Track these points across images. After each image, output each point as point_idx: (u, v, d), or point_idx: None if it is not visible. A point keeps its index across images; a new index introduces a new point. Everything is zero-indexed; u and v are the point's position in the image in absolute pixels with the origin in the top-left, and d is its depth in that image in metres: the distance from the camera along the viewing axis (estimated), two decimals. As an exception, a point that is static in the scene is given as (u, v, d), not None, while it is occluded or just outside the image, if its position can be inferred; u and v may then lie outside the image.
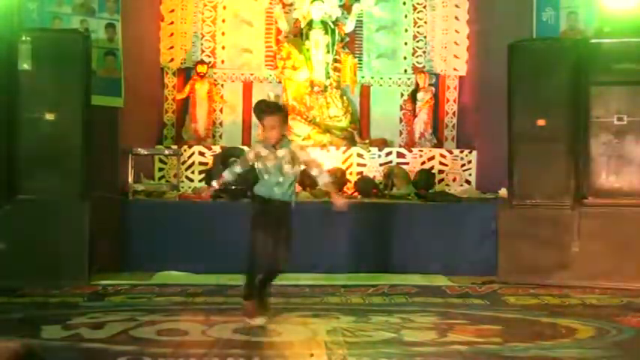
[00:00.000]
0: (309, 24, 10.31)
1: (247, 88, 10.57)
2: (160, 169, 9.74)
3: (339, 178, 9.43)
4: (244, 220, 5.53)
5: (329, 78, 10.32)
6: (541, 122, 7.20)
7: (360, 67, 10.57)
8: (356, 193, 9.30)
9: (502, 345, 4.77)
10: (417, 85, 10.42)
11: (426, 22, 10.72)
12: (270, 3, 10.53)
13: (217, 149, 9.56)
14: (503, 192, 8.24)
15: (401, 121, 10.65)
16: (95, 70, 7.76)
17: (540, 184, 7.24)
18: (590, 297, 6.51)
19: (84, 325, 5.21)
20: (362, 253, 7.87)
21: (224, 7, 10.55)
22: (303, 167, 5.52)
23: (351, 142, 10.14)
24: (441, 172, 9.93)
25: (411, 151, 10.01)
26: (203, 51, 10.47)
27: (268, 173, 5.35)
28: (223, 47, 10.55)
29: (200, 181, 9.56)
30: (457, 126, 10.67)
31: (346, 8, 10.49)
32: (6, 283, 6.45)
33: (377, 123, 10.66)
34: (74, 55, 7.06)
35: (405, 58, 10.74)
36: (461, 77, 10.66)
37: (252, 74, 10.58)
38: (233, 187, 8.20)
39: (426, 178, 9.51)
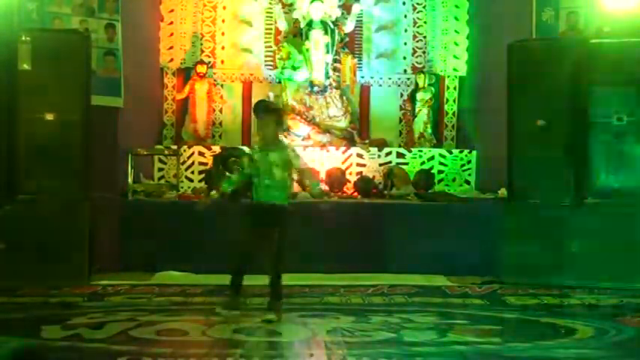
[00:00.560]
0: (309, 24, 10.30)
1: (247, 88, 10.57)
2: (160, 169, 9.73)
3: (338, 178, 9.44)
4: (243, 212, 5.60)
5: (329, 78, 10.31)
6: (541, 122, 7.20)
7: (360, 67, 10.57)
8: (355, 193, 9.30)
9: (502, 345, 4.77)
10: (417, 85, 10.41)
11: (425, 22, 10.71)
12: (270, 3, 10.53)
13: (217, 149, 9.55)
14: (503, 192, 8.24)
15: (400, 121, 10.65)
16: (95, 70, 7.76)
17: (540, 184, 7.24)
18: (590, 297, 6.51)
19: (84, 325, 5.21)
20: (362, 253, 7.86)
21: (224, 7, 10.54)
22: (296, 176, 5.57)
23: (350, 142, 10.14)
24: (440, 172, 9.93)
25: (410, 151, 10.01)
26: (203, 51, 10.46)
27: (258, 176, 5.46)
28: (223, 47, 10.54)
29: (200, 181, 9.55)
30: (457, 126, 10.66)
31: (346, 8, 10.48)
32: (6, 283, 6.45)
33: (377, 123, 10.65)
34: (74, 55, 7.06)
35: (404, 58, 10.73)
36: (461, 77, 10.66)
37: (251, 74, 10.57)
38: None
39: (425, 178, 9.51)
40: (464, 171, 10.03)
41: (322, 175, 9.47)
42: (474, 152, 10.06)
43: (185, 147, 9.75)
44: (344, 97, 10.39)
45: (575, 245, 7.04)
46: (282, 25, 10.43)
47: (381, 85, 10.71)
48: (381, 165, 9.82)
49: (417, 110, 10.38)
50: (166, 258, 7.64)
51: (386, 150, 10.00)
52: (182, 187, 9.26)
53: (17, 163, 6.91)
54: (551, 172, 7.22)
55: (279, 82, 10.39)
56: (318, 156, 9.76)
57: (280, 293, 5.53)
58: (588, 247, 6.99)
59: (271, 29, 10.58)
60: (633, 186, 7.05)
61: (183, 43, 10.41)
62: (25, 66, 6.89)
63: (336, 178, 9.44)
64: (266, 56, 10.59)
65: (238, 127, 10.51)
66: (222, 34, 10.53)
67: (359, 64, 10.53)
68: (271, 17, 10.55)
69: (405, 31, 10.73)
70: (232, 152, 8.83)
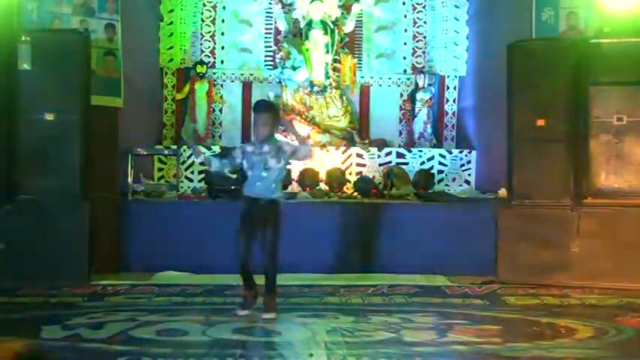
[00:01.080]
0: (309, 24, 10.31)
1: (247, 88, 10.58)
2: (160, 169, 9.74)
3: (338, 178, 9.45)
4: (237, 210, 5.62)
5: (328, 78, 10.32)
6: (541, 122, 7.20)
7: (360, 67, 10.58)
8: (355, 193, 9.30)
9: (502, 345, 4.77)
10: (417, 85, 10.43)
11: (425, 22, 10.73)
12: (270, 3, 10.54)
13: (217, 149, 9.56)
14: (503, 192, 8.24)
15: (400, 121, 10.66)
16: (95, 70, 7.75)
17: (540, 184, 7.24)
18: (590, 297, 6.51)
19: (84, 325, 5.21)
20: (361, 253, 7.86)
21: (224, 7, 10.56)
22: (290, 162, 5.63)
23: (350, 142, 10.15)
24: (440, 172, 9.94)
25: (410, 151, 10.02)
26: (202, 51, 10.48)
27: (252, 169, 5.51)
28: (223, 47, 10.55)
29: (200, 181, 9.56)
30: (457, 126, 10.67)
31: (346, 8, 10.49)
32: (6, 283, 6.45)
33: (376, 123, 10.66)
34: (74, 55, 7.05)
35: (404, 58, 10.74)
36: (461, 77, 10.66)
37: (251, 74, 10.59)
38: (232, 188, 8.22)
39: (425, 178, 9.51)
40: (464, 171, 10.03)
41: (322, 175, 9.48)
42: (474, 152, 10.07)
43: (185, 147, 9.76)
44: (344, 97, 10.41)
45: (575, 245, 7.04)
46: (282, 25, 10.44)
47: (381, 85, 10.72)
48: (381, 165, 9.83)
49: (417, 110, 10.39)
50: (166, 258, 7.64)
51: (386, 150, 10.00)
52: (182, 187, 9.27)
53: (17, 163, 6.91)
54: (551, 172, 7.22)
55: (279, 82, 10.40)
56: (318, 156, 9.77)
57: (275, 289, 5.56)
58: (588, 247, 6.99)
59: (271, 29, 10.59)
60: (633, 186, 7.05)
61: (183, 43, 10.42)
62: (25, 66, 6.89)
63: (336, 178, 9.45)
64: (266, 56, 10.60)
65: (238, 127, 10.52)
66: (222, 34, 10.55)
67: (359, 64, 10.54)
68: (271, 17, 10.56)
69: (405, 31, 10.74)
70: (232, 152, 8.82)
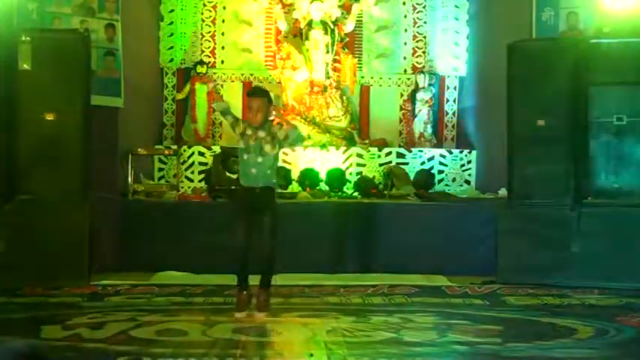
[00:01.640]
0: (309, 24, 10.30)
1: (247, 88, 10.55)
2: (160, 169, 9.73)
3: (338, 178, 9.44)
4: (233, 202, 5.62)
5: (329, 78, 10.31)
6: (541, 122, 7.20)
7: (360, 67, 10.57)
8: (355, 193, 9.30)
9: (502, 345, 4.77)
10: (417, 85, 10.42)
11: (425, 22, 10.71)
12: (270, 3, 10.53)
13: (217, 149, 9.55)
14: (503, 192, 8.24)
15: (400, 121, 10.64)
16: (95, 70, 7.76)
17: (540, 184, 7.24)
18: (590, 297, 6.51)
19: (84, 325, 5.21)
20: (362, 253, 7.87)
21: (224, 7, 10.55)
22: (283, 146, 5.64)
23: (350, 142, 10.14)
24: (440, 172, 9.93)
25: (410, 151, 10.01)
26: (203, 51, 10.47)
27: (248, 152, 5.52)
28: (223, 47, 10.55)
29: (200, 181, 9.55)
30: (457, 126, 10.67)
31: (346, 8, 10.48)
32: (6, 283, 6.45)
33: (376, 123, 10.65)
34: (74, 55, 7.06)
35: (404, 58, 10.73)
36: (461, 77, 10.66)
37: (252, 74, 10.57)
38: (233, 188, 8.22)
39: (425, 178, 9.51)
40: (464, 171, 10.03)
41: (322, 175, 9.47)
42: (474, 152, 10.07)
43: (185, 147, 9.76)
44: (344, 97, 10.39)
45: (575, 245, 7.04)
46: (282, 25, 10.43)
47: (381, 85, 10.71)
48: (381, 165, 9.82)
49: (417, 110, 10.38)
50: (166, 258, 7.64)
51: (386, 150, 10.00)
52: (182, 187, 9.26)
53: (17, 163, 6.91)
54: (551, 172, 7.22)
55: (279, 82, 10.39)
56: (318, 156, 9.77)
57: (270, 283, 5.57)
58: (588, 247, 6.99)
59: (271, 29, 10.58)
60: (633, 186, 7.05)
61: (184, 43, 10.41)
62: (25, 66, 6.88)
63: (336, 178, 9.44)
64: (266, 56, 10.59)
65: (238, 127, 10.50)
66: (222, 34, 10.54)
67: (359, 64, 10.53)
68: (271, 17, 10.55)
69: (405, 31, 10.74)
70: (232, 152, 8.83)
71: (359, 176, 9.63)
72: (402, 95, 10.69)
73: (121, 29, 8.19)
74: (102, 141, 7.55)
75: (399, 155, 9.96)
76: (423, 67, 10.64)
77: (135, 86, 8.65)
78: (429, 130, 10.38)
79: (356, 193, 9.29)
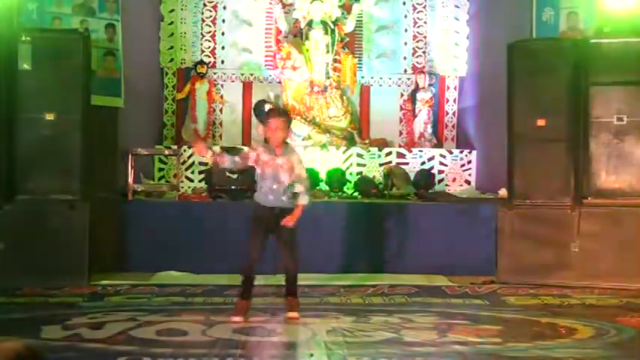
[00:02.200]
0: (309, 24, 10.30)
1: (247, 88, 10.58)
2: (160, 169, 9.74)
3: (338, 178, 9.45)
4: (244, 220, 5.57)
5: (329, 78, 10.31)
6: (541, 122, 7.19)
7: (360, 67, 10.57)
8: (355, 193, 9.31)
9: (502, 345, 4.76)
10: (417, 85, 10.43)
11: (425, 22, 10.72)
12: (270, 3, 10.54)
13: (217, 149, 9.55)
14: (503, 192, 8.24)
15: (401, 121, 10.65)
16: (95, 70, 7.75)
17: (540, 184, 7.24)
18: (590, 297, 6.51)
19: (84, 325, 5.21)
20: (362, 253, 7.87)
21: (224, 7, 10.56)
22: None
23: (350, 142, 10.14)
24: (440, 172, 9.93)
25: (410, 151, 10.01)
26: (203, 51, 10.47)
27: (265, 179, 5.41)
28: (223, 47, 10.55)
29: (200, 181, 9.56)
30: (457, 126, 10.67)
31: (346, 8, 10.49)
32: (6, 283, 6.45)
33: (377, 123, 10.66)
34: (74, 55, 7.05)
35: (404, 58, 10.74)
36: (461, 77, 10.66)
37: (252, 74, 10.58)
38: (233, 188, 8.22)
39: (425, 178, 9.51)
40: (464, 171, 10.03)
41: (322, 175, 9.48)
42: (474, 152, 10.07)
43: (185, 147, 9.76)
44: (344, 97, 10.40)
45: (575, 245, 7.04)
46: (282, 25, 10.44)
47: (381, 85, 10.72)
48: (381, 165, 9.83)
49: (417, 110, 10.39)
50: (166, 258, 7.64)
51: (386, 150, 10.00)
52: (182, 187, 9.26)
53: (17, 163, 6.91)
54: (551, 172, 7.22)
55: (279, 82, 10.39)
56: (318, 156, 9.77)
57: (296, 289, 5.54)
58: (588, 247, 6.99)
59: (271, 29, 10.59)
60: (633, 186, 7.05)
61: (184, 43, 10.42)
62: (25, 66, 6.89)
63: (336, 178, 9.44)
64: (266, 56, 10.59)
65: (238, 127, 10.52)
66: (223, 34, 10.54)
67: (359, 64, 10.54)
68: (271, 17, 10.56)
69: (405, 31, 10.74)
70: (232, 152, 8.82)
71: (359, 176, 9.64)
72: (402, 95, 10.69)
73: (121, 29, 8.18)
74: (102, 141, 7.54)
75: (399, 155, 9.96)
76: (423, 67, 10.65)
77: (135, 86, 8.65)
78: (429, 130, 10.38)
79: (356, 193, 9.30)
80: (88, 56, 7.23)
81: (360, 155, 9.90)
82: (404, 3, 10.75)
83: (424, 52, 10.72)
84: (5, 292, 6.27)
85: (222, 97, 10.45)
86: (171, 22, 10.40)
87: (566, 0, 8.18)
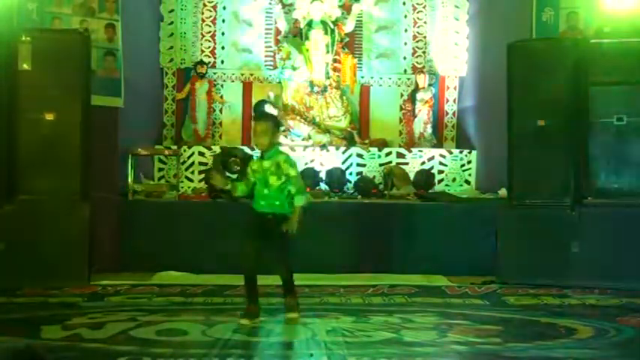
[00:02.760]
0: (309, 24, 10.30)
1: (247, 88, 10.58)
2: (160, 170, 9.74)
3: (338, 178, 9.45)
4: (244, 220, 5.56)
5: (329, 78, 10.32)
6: (541, 122, 7.19)
7: (360, 67, 10.58)
8: (355, 193, 9.31)
9: (502, 345, 4.77)
10: (417, 85, 10.43)
11: (425, 23, 10.72)
12: (270, 3, 10.54)
13: (217, 149, 9.56)
14: (503, 192, 8.25)
15: (400, 121, 10.65)
16: (95, 70, 7.75)
17: (540, 184, 7.24)
18: (590, 297, 6.51)
19: (84, 325, 5.21)
20: (362, 253, 7.87)
21: (224, 7, 10.56)
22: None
23: (350, 142, 10.15)
24: (440, 172, 9.94)
25: (410, 151, 10.01)
26: (203, 51, 10.47)
27: (256, 185, 5.37)
28: (223, 47, 10.55)
29: (200, 181, 9.56)
30: (457, 126, 10.67)
31: (346, 8, 10.49)
32: (6, 283, 6.45)
33: (376, 123, 10.66)
34: (74, 55, 7.06)
35: (404, 58, 10.74)
36: (461, 77, 10.66)
37: (251, 74, 10.58)
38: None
39: (425, 178, 9.51)
40: (464, 171, 10.03)
41: (322, 175, 9.48)
42: (474, 152, 10.07)
43: (185, 147, 9.76)
44: (344, 97, 10.40)
45: (575, 245, 7.03)
46: (282, 25, 10.44)
47: (381, 85, 10.72)
48: (381, 165, 9.83)
49: (417, 110, 10.39)
50: (166, 258, 7.65)
51: (386, 150, 10.00)
52: (182, 187, 9.26)
53: (17, 163, 6.91)
54: (551, 172, 7.22)
55: (279, 82, 10.39)
56: (318, 156, 9.77)
57: (294, 289, 5.44)
58: (588, 247, 6.99)
59: (271, 29, 10.59)
60: (633, 186, 7.04)
61: (184, 43, 10.42)
62: (25, 66, 6.89)
63: (336, 178, 9.45)
64: (266, 56, 10.59)
65: (238, 127, 10.52)
66: (223, 34, 10.55)
67: (359, 64, 10.54)
68: (271, 17, 10.56)
69: (405, 31, 10.74)
70: (232, 152, 8.83)
71: (359, 176, 9.64)
72: (402, 95, 10.69)
73: (121, 29, 8.18)
74: (102, 141, 7.54)
75: (399, 155, 9.96)
76: (423, 67, 10.65)
77: (135, 86, 8.64)
78: (429, 130, 10.38)
79: (356, 193, 9.29)
80: (88, 56, 7.23)
81: (360, 155, 9.91)
82: (404, 3, 10.75)
83: (424, 52, 10.72)
84: (5, 292, 6.27)
85: (222, 97, 10.45)
86: (171, 22, 10.41)
87: (566, 0, 8.18)
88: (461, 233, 7.90)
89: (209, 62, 10.37)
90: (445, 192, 9.37)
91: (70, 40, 7.13)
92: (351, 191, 9.41)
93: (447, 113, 10.68)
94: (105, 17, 8.12)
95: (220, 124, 10.50)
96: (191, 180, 9.68)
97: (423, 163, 9.94)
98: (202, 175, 9.52)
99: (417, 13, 10.73)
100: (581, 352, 4.60)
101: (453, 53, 10.64)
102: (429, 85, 10.46)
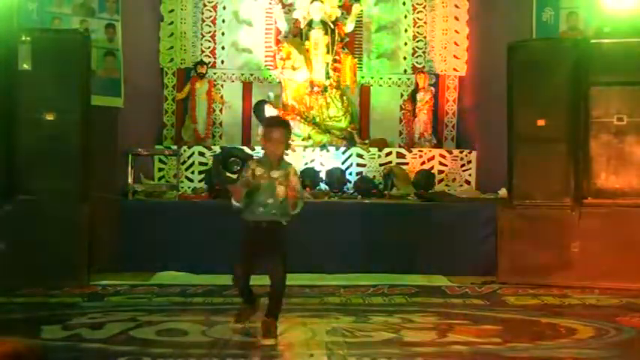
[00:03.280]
0: (309, 24, 10.31)
1: (247, 88, 10.58)
2: (160, 170, 9.74)
3: (338, 178, 9.45)
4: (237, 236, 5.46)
5: (329, 78, 10.32)
6: (541, 122, 7.19)
7: (360, 68, 10.58)
8: (355, 193, 9.31)
9: (502, 345, 4.76)
10: (417, 85, 10.43)
11: (425, 23, 10.73)
12: (270, 3, 10.54)
13: (217, 149, 9.56)
14: (503, 192, 8.24)
15: (401, 121, 10.65)
16: (95, 70, 7.76)
17: (540, 184, 7.24)
18: (590, 297, 6.50)
19: (84, 325, 5.21)
20: (362, 253, 7.86)
21: (224, 7, 10.56)
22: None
23: (350, 142, 10.15)
24: (440, 172, 9.93)
25: (410, 152, 10.01)
26: (203, 51, 10.48)
27: (259, 193, 5.01)
28: (223, 47, 10.55)
29: (200, 181, 9.56)
30: (457, 126, 10.67)
31: (346, 8, 10.49)
32: (6, 283, 6.44)
33: (377, 123, 10.67)
34: (74, 55, 7.05)
35: (404, 58, 10.74)
36: (461, 77, 10.66)
37: (252, 74, 10.59)
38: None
39: (425, 178, 9.51)
40: (464, 171, 10.03)
41: (322, 175, 9.48)
42: (474, 152, 10.07)
43: (185, 147, 9.77)
44: (344, 98, 10.40)
45: (575, 245, 7.03)
46: (282, 25, 10.44)
47: (381, 85, 10.73)
48: (381, 165, 9.83)
49: (417, 110, 10.39)
50: (166, 258, 7.64)
51: (386, 150, 10.00)
52: (182, 187, 9.26)
53: (17, 163, 6.91)
54: (551, 172, 7.22)
55: (279, 82, 10.39)
56: (318, 156, 9.77)
57: (278, 313, 4.98)
58: (588, 247, 6.98)
59: (271, 29, 10.59)
60: (633, 186, 7.04)
61: (184, 43, 10.42)
62: (25, 66, 6.88)
63: (336, 178, 9.45)
64: (266, 56, 10.60)
65: (238, 127, 10.52)
66: (223, 34, 10.55)
67: (359, 64, 10.54)
68: (271, 17, 10.56)
69: (405, 31, 10.75)
70: (232, 152, 8.84)
71: (359, 176, 9.64)
72: (402, 95, 10.70)
73: (121, 29, 8.19)
74: (102, 141, 7.54)
75: (399, 155, 9.96)
76: (423, 67, 10.65)
77: (135, 86, 8.65)
78: (429, 130, 10.38)
79: (356, 193, 9.29)
80: (88, 56, 7.23)
81: (360, 155, 9.91)
82: (404, 3, 10.75)
83: (424, 52, 10.73)
84: (5, 292, 6.26)
85: (222, 97, 10.45)
86: (171, 22, 10.41)
87: (566, 0, 8.19)
88: (461, 233, 7.90)
89: (209, 62, 10.38)
90: (445, 192, 9.36)
91: (70, 40, 7.12)
92: (351, 191, 9.41)
93: (447, 113, 10.68)
94: (105, 17, 8.13)
95: (220, 124, 10.50)
96: (191, 180, 9.68)
97: (423, 163, 9.94)
98: (202, 175, 9.52)
99: (417, 13, 10.73)
100: (581, 352, 4.60)
101: (453, 53, 10.64)
102: (429, 85, 10.46)
